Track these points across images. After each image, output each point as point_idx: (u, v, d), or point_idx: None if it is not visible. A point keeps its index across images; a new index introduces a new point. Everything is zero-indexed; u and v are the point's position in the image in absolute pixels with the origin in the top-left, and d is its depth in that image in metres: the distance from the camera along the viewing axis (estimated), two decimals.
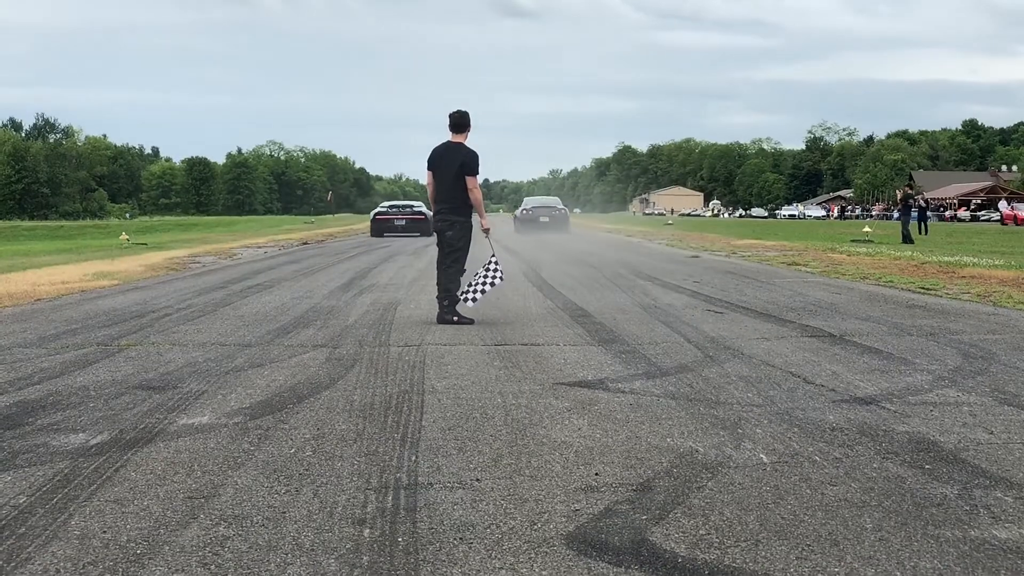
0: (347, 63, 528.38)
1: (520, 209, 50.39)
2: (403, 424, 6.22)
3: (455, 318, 11.60)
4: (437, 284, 11.87)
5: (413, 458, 5.38)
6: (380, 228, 45.38)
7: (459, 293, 11.74)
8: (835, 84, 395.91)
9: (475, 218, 11.84)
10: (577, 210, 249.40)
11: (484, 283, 11.78)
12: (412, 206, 47.71)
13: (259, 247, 35.30)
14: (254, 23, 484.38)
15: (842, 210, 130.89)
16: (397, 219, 45.22)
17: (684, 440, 5.71)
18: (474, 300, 11.71)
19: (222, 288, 16.70)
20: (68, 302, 14.39)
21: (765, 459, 5.28)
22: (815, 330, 10.67)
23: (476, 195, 11.55)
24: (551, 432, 5.96)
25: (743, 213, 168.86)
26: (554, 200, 52.25)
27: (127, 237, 37.07)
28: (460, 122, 11.75)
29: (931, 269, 19.96)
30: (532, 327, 11.25)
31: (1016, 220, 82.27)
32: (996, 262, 21.19)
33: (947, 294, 14.77)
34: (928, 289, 15.59)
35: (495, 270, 11.86)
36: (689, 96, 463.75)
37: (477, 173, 11.58)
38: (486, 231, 11.82)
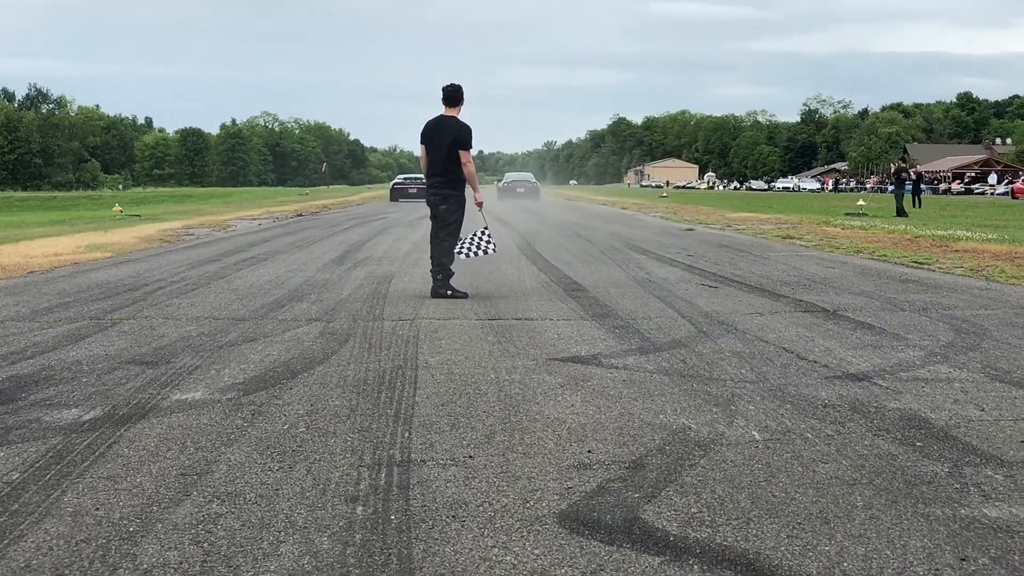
0: (342, 35, 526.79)
1: (502, 182, 68.32)
2: (396, 400, 6.23)
3: (449, 292, 11.60)
4: (431, 258, 11.85)
5: (406, 435, 5.38)
6: (397, 195, 61.31)
7: (455, 250, 11.74)
8: (831, 56, 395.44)
9: (469, 192, 11.83)
10: (573, 181, 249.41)
11: (477, 246, 11.80)
12: (421, 178, 52.50)
13: (253, 219, 35.25)
14: None
15: (836, 183, 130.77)
16: (410, 188, 59.91)
17: (677, 417, 5.72)
18: (466, 256, 11.75)
19: (216, 261, 16.69)
20: (61, 275, 14.37)
21: (757, 436, 5.29)
22: (809, 305, 10.68)
23: (469, 169, 11.53)
24: (544, 408, 5.96)
25: (738, 186, 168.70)
26: (528, 175, 72.43)
27: (120, 209, 37.00)
28: (453, 96, 11.71)
29: (925, 243, 19.97)
30: (526, 301, 11.25)
31: None
32: (989, 236, 21.21)
33: (940, 268, 14.78)
34: (921, 263, 15.60)
35: (488, 240, 11.87)
36: (684, 68, 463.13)
37: (470, 147, 11.55)
38: (479, 204, 11.81)
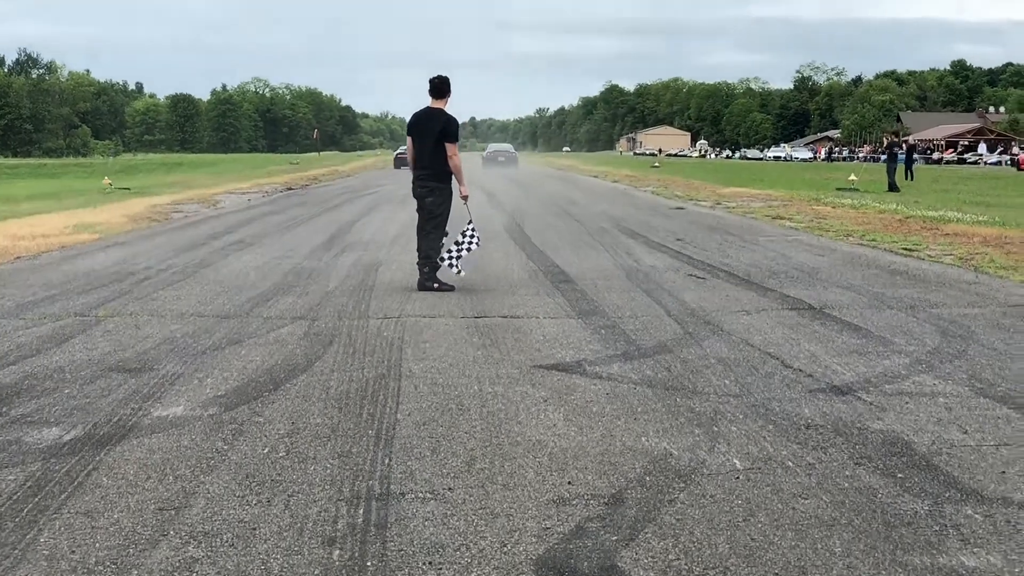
0: (333, 0, 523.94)
1: (486, 152, 78.20)
2: (378, 417, 6.21)
3: (436, 285, 11.57)
4: (417, 250, 11.82)
5: (387, 461, 5.36)
6: (399, 163, 68.36)
7: (440, 258, 11.72)
8: (824, 22, 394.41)
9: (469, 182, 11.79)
10: (566, 149, 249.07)
11: (462, 249, 11.77)
12: (507, 149, 76.63)
13: (243, 193, 35.15)
14: None
15: (829, 152, 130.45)
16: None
17: (659, 441, 5.71)
18: (459, 269, 11.71)
19: (203, 245, 16.62)
20: (48, 261, 14.32)
21: (738, 465, 5.28)
22: (796, 301, 10.66)
23: (456, 162, 11.47)
24: (526, 429, 5.95)
25: (729, 154, 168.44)
26: (508, 146, 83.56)
27: (110, 182, 36.85)
28: (440, 87, 11.65)
29: (915, 225, 19.96)
30: (513, 295, 11.22)
31: None
32: (980, 217, 21.18)
33: (929, 256, 14.77)
34: (910, 250, 15.58)
35: (472, 235, 11.83)
36: (677, 34, 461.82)
37: (457, 140, 11.49)
38: (465, 198, 11.75)
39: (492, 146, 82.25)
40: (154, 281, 12.34)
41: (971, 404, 6.51)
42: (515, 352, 8.20)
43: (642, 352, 8.19)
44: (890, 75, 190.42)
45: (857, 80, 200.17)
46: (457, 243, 11.75)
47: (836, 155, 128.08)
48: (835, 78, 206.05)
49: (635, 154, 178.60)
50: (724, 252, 15.45)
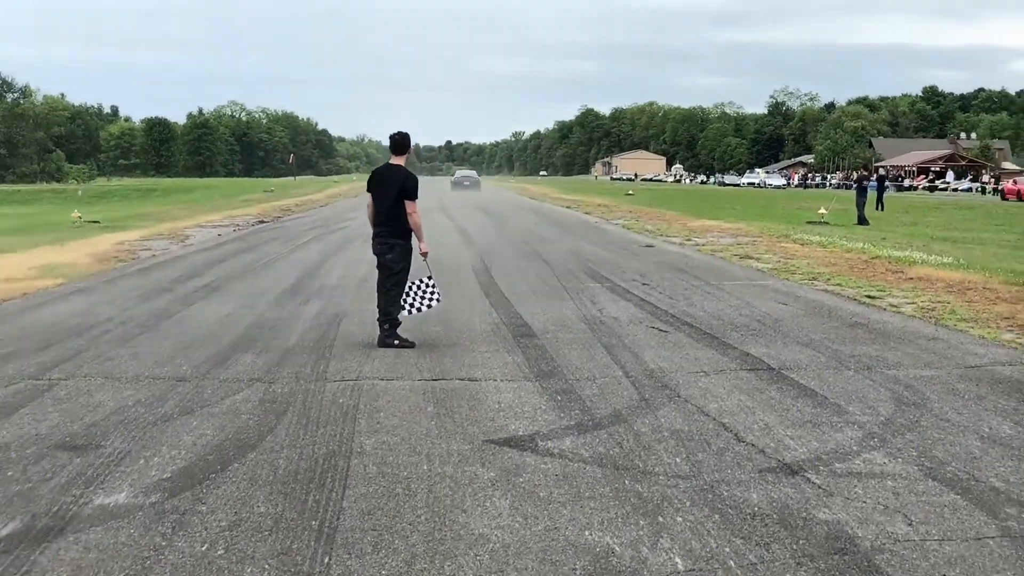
0: (310, 21, 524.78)
1: (454, 177, 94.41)
2: (323, 505, 6.14)
3: (396, 342, 11.52)
4: (378, 307, 11.77)
5: (326, 560, 5.30)
6: (453, 184, 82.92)
7: (402, 312, 11.68)
8: (797, 47, 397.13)
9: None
10: (543, 173, 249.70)
11: (422, 300, 11.73)
12: (471, 175, 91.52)
13: (213, 226, 35.02)
14: None
15: (804, 179, 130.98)
16: (462, 183, 79.05)
17: (602, 535, 5.66)
18: (409, 312, 11.70)
19: (167, 291, 16.50)
20: (8, 311, 14.20)
21: (680, 565, 5.24)
22: (755, 361, 10.64)
23: (415, 219, 11.43)
24: (471, 520, 5.89)
25: (704, 179, 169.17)
26: (472, 172, 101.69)
27: (79, 215, 36.60)
28: (400, 143, 11.64)
29: (880, 267, 20.04)
30: (472, 352, 11.17)
31: (1020, 195, 72.62)
32: (944, 259, 21.26)
33: (891, 306, 14.80)
34: (873, 297, 15.63)
35: (432, 290, 11.79)
36: (651, 58, 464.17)
37: (416, 197, 11.46)
38: (424, 255, 11.70)
39: (459, 172, 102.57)
40: (113, 335, 12.24)
41: (919, 488, 6.49)
42: (469, 423, 8.15)
43: (596, 423, 8.15)
44: (862, 101, 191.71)
45: (830, 106, 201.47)
46: (416, 295, 11.71)
47: (811, 182, 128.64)
48: (808, 103, 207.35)
49: (612, 179, 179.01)
50: (689, 299, 15.44)
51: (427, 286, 11.81)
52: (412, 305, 11.71)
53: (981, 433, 7.83)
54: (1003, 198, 76.34)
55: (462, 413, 8.50)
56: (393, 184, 11.44)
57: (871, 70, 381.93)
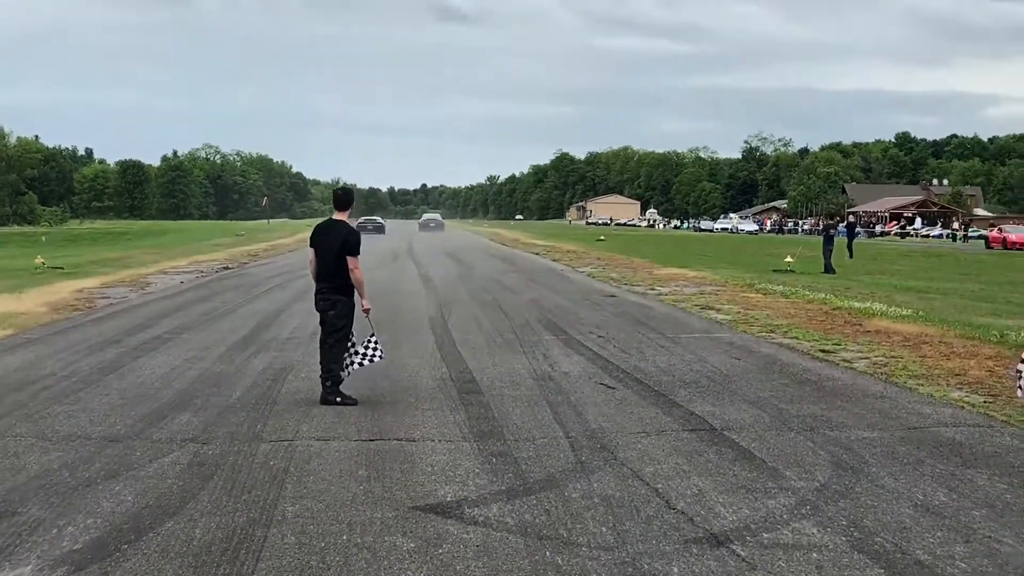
0: (284, 65, 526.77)
1: (420, 219, 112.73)
2: None
3: (338, 399, 11.39)
4: (320, 363, 11.65)
5: None
6: (360, 229, 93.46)
7: (344, 370, 11.56)
8: (770, 92, 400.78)
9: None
10: (519, 217, 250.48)
11: (363, 356, 11.63)
12: (376, 220, 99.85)
13: (178, 272, 34.81)
14: (190, 23, 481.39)
15: (781, 224, 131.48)
16: (367, 227, 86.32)
17: None
18: (347, 373, 11.58)
19: (117, 343, 16.31)
20: None
21: None
22: (698, 421, 10.55)
23: (357, 275, 11.34)
24: None
25: (678, 224, 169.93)
26: (437, 215, 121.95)
27: (42, 261, 36.30)
28: (342, 199, 11.62)
29: (839, 319, 20.03)
30: (414, 411, 11.05)
31: (1006, 244, 71.47)
32: (904, 311, 21.26)
33: (844, 361, 14.75)
34: (827, 352, 15.59)
35: (375, 348, 11.68)
36: (626, 102, 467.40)
37: (357, 253, 11.38)
38: (366, 311, 11.59)
39: (425, 215, 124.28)
40: (53, 391, 12.06)
41: (843, 562, 6.39)
42: (398, 488, 8.02)
43: (527, 488, 8.04)
44: (835, 147, 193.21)
45: (803, 151, 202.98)
46: (359, 352, 11.61)
47: (785, 227, 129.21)
48: (782, 149, 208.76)
49: (587, 223, 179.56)
50: (642, 353, 15.36)
51: (369, 343, 11.69)
52: (353, 363, 11.60)
53: (915, 501, 7.75)
54: (987, 246, 75.30)
55: (393, 477, 8.37)
56: (335, 239, 11.36)
57: (844, 115, 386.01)
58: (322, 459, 8.96)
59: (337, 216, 11.60)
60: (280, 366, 14.09)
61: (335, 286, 11.42)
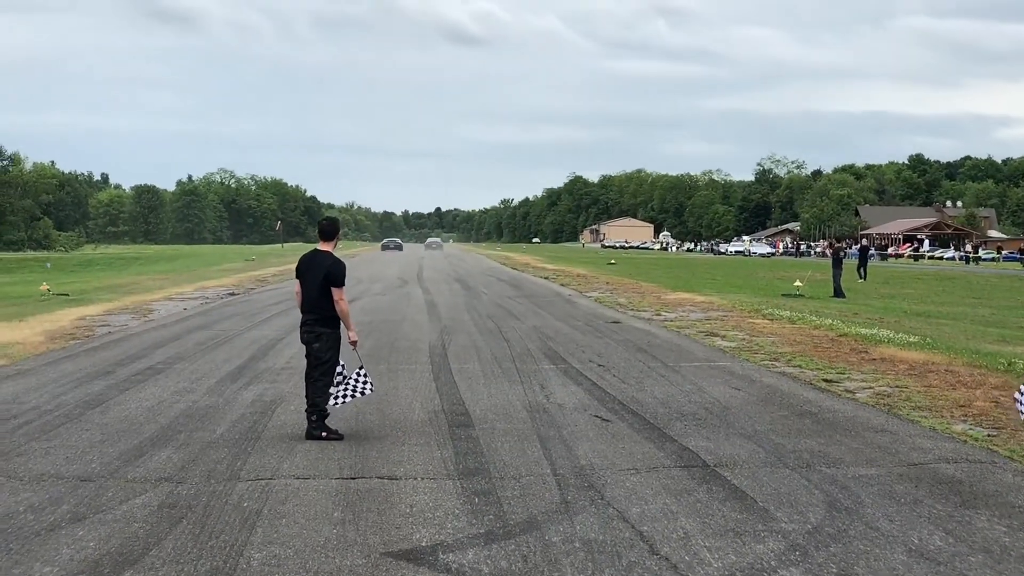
0: (298, 90, 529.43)
1: (425, 242, 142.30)
2: None
3: (323, 433, 11.09)
4: (305, 397, 11.35)
5: None
6: (384, 247, 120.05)
7: (331, 403, 11.26)
8: (783, 114, 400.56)
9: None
10: (536, 240, 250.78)
11: (353, 388, 11.33)
12: (396, 240, 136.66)
13: (183, 299, 34.57)
14: (205, 50, 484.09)
15: (796, 247, 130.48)
16: (389, 245, 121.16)
17: None
18: (334, 404, 11.28)
19: (109, 374, 16.02)
20: None
21: None
22: (691, 457, 10.21)
23: (342, 307, 11.06)
24: None
25: (691, 247, 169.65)
26: (439, 239, 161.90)
27: (47, 287, 36.16)
28: (327, 230, 11.38)
29: (845, 346, 19.68)
30: (401, 446, 10.75)
31: None
32: (911, 338, 20.90)
33: (846, 391, 14.40)
34: (830, 381, 15.25)
35: (365, 381, 11.39)
36: (640, 126, 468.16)
37: (342, 285, 11.11)
38: (353, 344, 11.30)
39: (429, 239, 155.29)
40: (34, 426, 11.78)
41: None
42: (372, 532, 7.71)
43: (507, 531, 7.72)
44: (848, 169, 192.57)
45: (816, 173, 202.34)
46: (347, 384, 11.30)
47: (795, 250, 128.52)
48: (795, 171, 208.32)
49: (603, 246, 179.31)
50: (641, 384, 15.03)
51: (357, 376, 11.40)
52: (340, 396, 11.30)
53: (910, 545, 7.40)
54: None
55: (369, 519, 8.06)
56: (319, 270, 11.10)
57: (857, 137, 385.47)
58: (299, 499, 8.66)
59: (322, 247, 11.34)
60: (271, 398, 13.80)
61: (319, 318, 11.14)
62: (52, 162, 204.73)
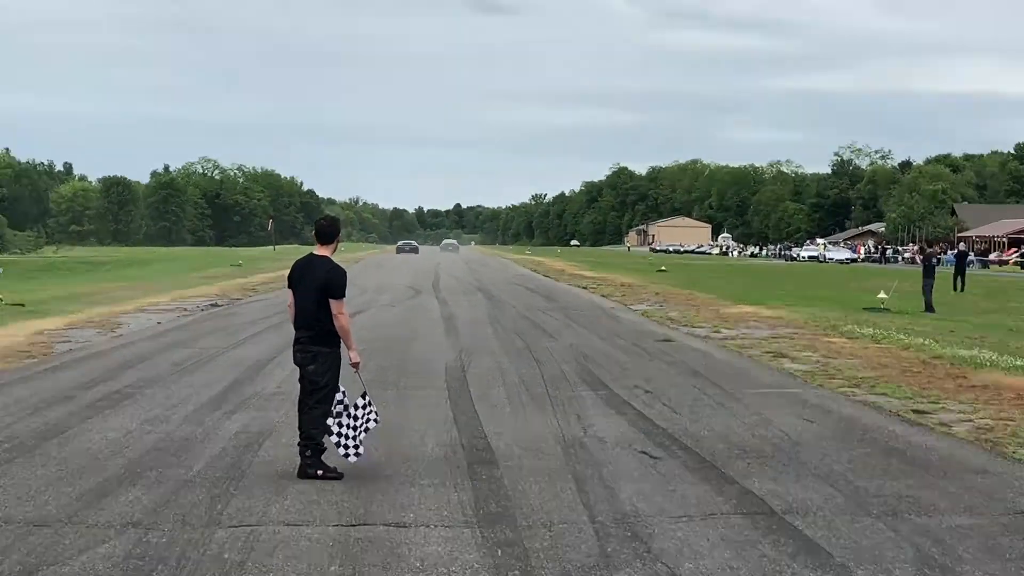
0: (295, 66, 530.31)
1: (441, 244, 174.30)
2: None
3: (319, 472, 11.07)
4: (299, 428, 11.33)
5: None
6: (398, 250, 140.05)
7: (331, 438, 11.22)
8: (866, 96, 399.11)
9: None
10: (575, 243, 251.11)
11: (356, 426, 11.28)
12: (412, 243, 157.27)
13: (158, 310, 34.73)
14: (184, 18, 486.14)
15: (882, 252, 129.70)
16: (404, 248, 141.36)
17: None
18: (357, 454, 11.21)
19: (68, 399, 16.09)
20: None
21: None
22: (755, 502, 10.17)
23: (342, 322, 11.05)
24: None
25: (755, 251, 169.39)
26: (454, 241, 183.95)
27: (0, 297, 36.44)
28: (326, 231, 11.38)
29: (939, 370, 19.61)
30: (411, 487, 10.75)
31: None
32: (1018, 361, 20.76)
33: (941, 424, 14.33)
34: (922, 412, 15.19)
35: (368, 412, 11.36)
36: (695, 109, 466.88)
37: (343, 296, 11.09)
38: (355, 366, 11.30)
39: (444, 241, 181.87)
40: None
41: None
42: None
43: None
44: (943, 160, 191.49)
45: (905, 164, 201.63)
46: (351, 425, 11.24)
47: (881, 255, 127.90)
48: (879, 162, 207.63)
49: (652, 250, 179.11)
50: (696, 414, 14.99)
51: (362, 407, 11.36)
52: (343, 435, 11.18)
53: None
54: None
55: (372, 575, 8.04)
56: (315, 279, 11.08)
57: (954, 123, 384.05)
58: (288, 551, 8.65)
59: (319, 251, 11.33)
60: (258, 428, 13.83)
61: (315, 335, 11.13)
62: (7, 149, 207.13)
